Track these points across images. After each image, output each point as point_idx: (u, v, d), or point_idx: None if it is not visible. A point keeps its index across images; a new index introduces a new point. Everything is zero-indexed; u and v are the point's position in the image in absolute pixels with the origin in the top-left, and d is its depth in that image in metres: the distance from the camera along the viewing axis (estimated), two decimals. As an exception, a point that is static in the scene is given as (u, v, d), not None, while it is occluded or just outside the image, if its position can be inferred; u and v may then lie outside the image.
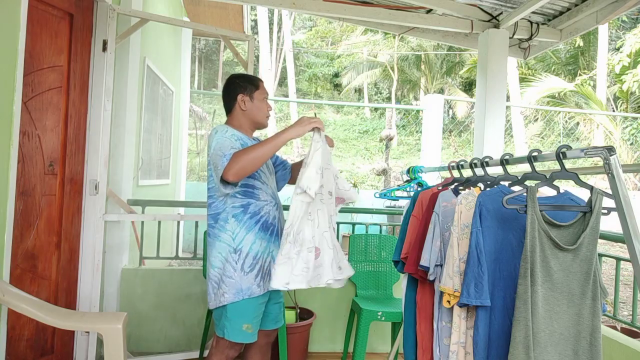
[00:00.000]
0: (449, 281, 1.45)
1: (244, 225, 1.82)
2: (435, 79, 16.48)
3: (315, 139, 1.76)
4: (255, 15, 16.38)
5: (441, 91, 15.85)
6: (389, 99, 18.16)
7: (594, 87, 12.84)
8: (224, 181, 1.71)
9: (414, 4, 3.41)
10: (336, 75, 19.51)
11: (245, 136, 1.93)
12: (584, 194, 1.35)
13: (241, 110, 1.95)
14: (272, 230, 1.89)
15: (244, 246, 1.82)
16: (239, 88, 1.95)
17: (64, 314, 1.72)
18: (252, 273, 1.82)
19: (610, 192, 1.17)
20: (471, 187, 1.65)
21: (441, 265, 1.55)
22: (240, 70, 19.78)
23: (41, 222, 2.36)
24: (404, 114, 15.48)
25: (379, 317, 2.65)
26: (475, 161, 1.68)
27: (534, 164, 1.37)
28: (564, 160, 1.27)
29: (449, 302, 1.45)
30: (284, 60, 18.44)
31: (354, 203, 2.06)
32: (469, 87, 17.07)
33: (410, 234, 1.77)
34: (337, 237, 1.98)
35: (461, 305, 1.41)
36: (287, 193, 2.05)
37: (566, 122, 12.33)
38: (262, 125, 2.03)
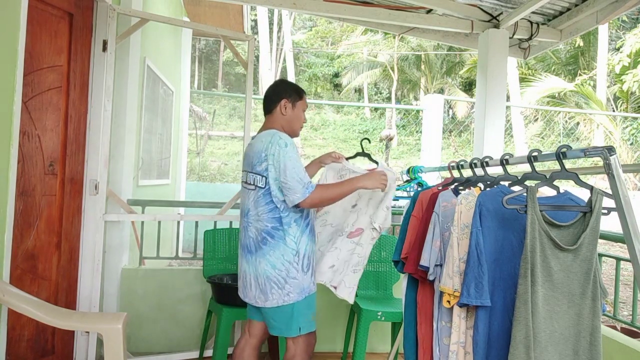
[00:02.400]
0: (449, 281, 1.45)
1: (300, 229, 1.94)
2: (435, 79, 16.47)
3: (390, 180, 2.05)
4: (255, 15, 16.37)
5: (441, 91, 15.83)
6: (389, 99, 18.16)
7: (594, 87, 12.83)
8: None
9: (414, 4, 3.41)
10: (336, 75, 19.51)
11: None
12: (584, 194, 1.35)
13: (281, 114, 2.03)
14: (314, 231, 2.06)
15: (301, 248, 1.94)
16: (285, 93, 2.04)
17: (64, 314, 1.72)
18: (309, 272, 1.97)
19: (610, 192, 1.17)
20: (471, 187, 1.65)
21: (441, 265, 1.55)
22: (240, 70, 19.78)
23: (41, 222, 2.36)
24: (404, 114, 15.47)
25: (378, 317, 2.65)
26: (475, 161, 1.68)
27: (534, 164, 1.37)
28: (564, 160, 1.27)
29: (448, 302, 1.45)
30: (284, 60, 18.45)
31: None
32: (469, 87, 17.07)
33: (410, 234, 1.77)
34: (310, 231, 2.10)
35: (461, 305, 1.41)
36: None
37: (566, 122, 12.33)
38: (295, 134, 2.09)
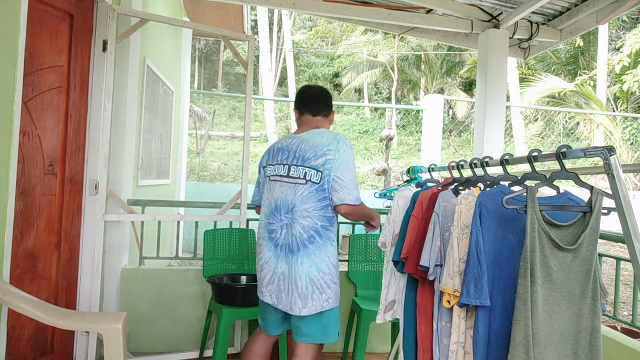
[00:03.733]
0: (449, 281, 1.45)
1: (336, 236, 1.97)
2: (435, 79, 16.47)
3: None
4: (255, 15, 16.36)
5: (441, 91, 15.83)
6: (389, 99, 18.15)
7: (594, 87, 12.83)
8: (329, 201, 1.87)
9: (414, 4, 3.41)
10: (336, 75, 19.51)
11: None
12: (584, 194, 1.35)
13: (329, 121, 2.13)
14: None
15: (337, 259, 1.95)
16: (332, 107, 2.16)
17: (64, 314, 1.72)
18: (339, 283, 1.95)
19: (610, 192, 1.17)
20: (471, 187, 1.65)
21: (441, 265, 1.55)
22: (240, 70, 19.77)
23: (41, 222, 2.36)
24: (404, 114, 15.47)
25: (379, 317, 2.65)
26: (475, 161, 1.68)
27: (534, 164, 1.37)
28: (564, 160, 1.27)
29: (448, 302, 1.45)
30: (284, 60, 18.44)
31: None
32: (469, 87, 17.07)
33: (410, 234, 1.77)
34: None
35: (461, 305, 1.41)
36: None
37: (566, 122, 12.33)
38: None
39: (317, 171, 1.83)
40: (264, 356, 2.05)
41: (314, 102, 2.06)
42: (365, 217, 2.01)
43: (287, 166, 1.91)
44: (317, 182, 1.83)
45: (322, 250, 1.84)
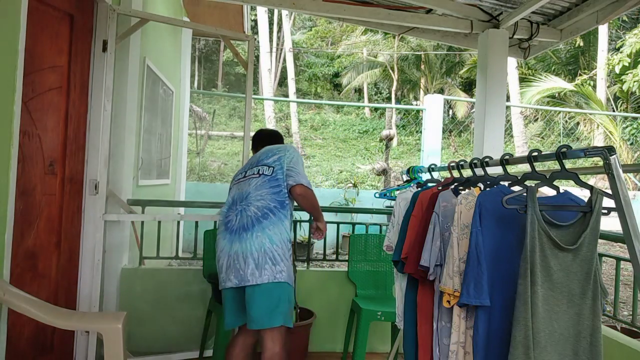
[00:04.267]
0: (449, 281, 1.45)
1: (291, 224, 2.14)
2: (435, 79, 16.47)
3: None
4: (255, 15, 16.36)
5: (441, 91, 15.83)
6: (389, 99, 18.15)
7: (594, 87, 12.83)
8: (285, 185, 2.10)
9: (414, 4, 3.41)
10: (336, 75, 19.50)
11: None
12: (584, 194, 1.35)
13: None
14: None
15: (290, 238, 2.10)
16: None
17: (64, 313, 1.72)
18: (292, 264, 2.11)
19: (610, 192, 1.17)
20: (471, 187, 1.65)
21: (441, 265, 1.55)
22: (240, 70, 19.76)
23: (41, 221, 2.36)
24: (404, 114, 15.47)
25: (378, 317, 2.65)
26: (475, 161, 1.68)
27: (534, 164, 1.37)
28: (564, 160, 1.27)
29: (448, 302, 1.45)
30: (284, 60, 18.43)
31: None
32: (469, 87, 17.07)
33: (410, 234, 1.77)
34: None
35: (461, 305, 1.41)
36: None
37: (566, 122, 12.33)
38: None
39: (269, 167, 2.13)
40: (245, 358, 2.12)
41: (274, 139, 2.48)
42: (315, 206, 2.21)
43: (244, 172, 2.22)
44: (270, 174, 2.10)
45: (275, 225, 2.01)
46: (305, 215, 2.52)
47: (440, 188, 1.77)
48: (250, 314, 1.97)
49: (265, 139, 2.47)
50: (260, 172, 2.12)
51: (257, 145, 2.47)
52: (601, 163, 1.17)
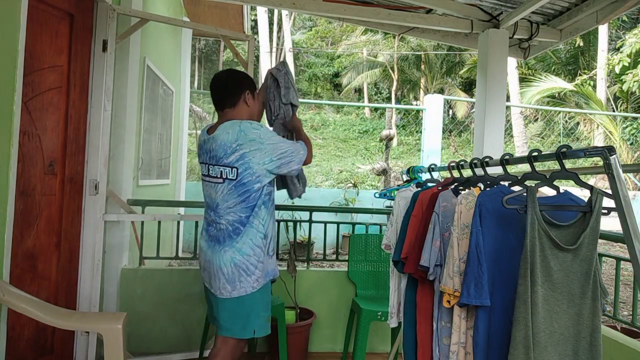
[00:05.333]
0: (449, 281, 1.45)
1: (268, 212, 1.97)
2: (435, 79, 16.47)
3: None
4: (255, 15, 16.37)
5: (441, 91, 15.83)
6: (389, 99, 18.15)
7: (594, 87, 12.83)
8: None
9: (414, 4, 3.40)
10: (336, 75, 19.50)
11: None
12: (584, 194, 1.35)
13: (246, 105, 2.04)
14: (274, 216, 2.08)
15: (269, 231, 1.97)
16: (246, 86, 2.04)
17: (64, 314, 1.72)
18: (273, 256, 2.00)
19: (610, 192, 1.17)
20: (471, 187, 1.65)
21: (441, 265, 1.55)
22: (241, 70, 19.67)
23: (41, 222, 2.36)
24: (404, 114, 15.47)
25: (378, 317, 2.65)
26: (475, 161, 1.68)
27: (534, 164, 1.37)
28: (564, 160, 1.27)
29: (448, 302, 1.45)
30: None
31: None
32: (469, 87, 17.07)
33: (410, 234, 1.77)
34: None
35: (461, 305, 1.41)
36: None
37: (566, 122, 12.33)
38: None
39: (232, 168, 1.87)
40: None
41: (223, 94, 2.00)
42: (307, 138, 2.14)
43: (207, 165, 1.97)
44: (234, 178, 1.88)
45: (244, 236, 1.89)
46: (305, 215, 2.52)
47: (440, 188, 1.77)
48: (220, 322, 1.94)
49: (215, 97, 2.01)
50: (224, 177, 1.88)
51: (215, 104, 2.04)
52: (601, 163, 1.17)
